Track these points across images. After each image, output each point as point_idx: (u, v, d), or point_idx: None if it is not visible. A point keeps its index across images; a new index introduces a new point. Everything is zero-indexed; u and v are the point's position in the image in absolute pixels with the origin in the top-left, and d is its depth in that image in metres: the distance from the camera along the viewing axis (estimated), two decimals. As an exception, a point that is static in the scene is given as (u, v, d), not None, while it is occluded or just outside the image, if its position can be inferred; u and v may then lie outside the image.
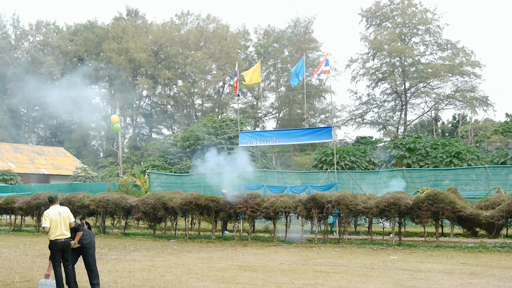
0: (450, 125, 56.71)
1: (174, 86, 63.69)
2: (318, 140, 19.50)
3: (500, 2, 75.96)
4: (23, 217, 21.47)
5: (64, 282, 8.14)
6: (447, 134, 53.79)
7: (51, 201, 8.42)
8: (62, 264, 8.20)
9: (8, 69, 60.74)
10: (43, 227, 8.10)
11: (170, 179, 26.92)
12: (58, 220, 8.12)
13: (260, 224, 18.83)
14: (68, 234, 8.18)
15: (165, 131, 66.40)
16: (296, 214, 16.17)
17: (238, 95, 24.27)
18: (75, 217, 8.64)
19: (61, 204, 8.59)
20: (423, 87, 51.10)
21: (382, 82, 52.64)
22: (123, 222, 18.90)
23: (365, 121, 54.31)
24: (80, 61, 65.24)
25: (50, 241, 8.09)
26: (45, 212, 8.20)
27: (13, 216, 21.53)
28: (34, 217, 20.64)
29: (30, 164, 44.53)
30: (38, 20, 66.71)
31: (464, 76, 48.45)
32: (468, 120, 52.96)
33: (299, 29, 59.92)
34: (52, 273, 8.23)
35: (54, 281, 8.17)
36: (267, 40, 61.24)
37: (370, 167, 29.94)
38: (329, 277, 9.48)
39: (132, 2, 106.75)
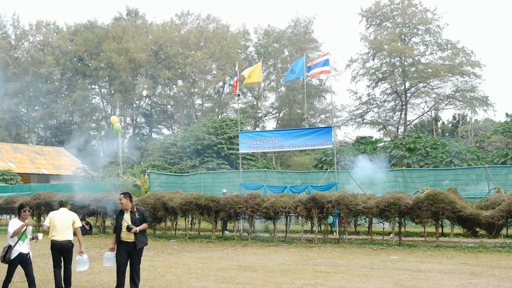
0: (450, 125, 56.75)
1: (174, 86, 63.70)
2: (318, 143, 19.01)
3: (500, 2, 75.97)
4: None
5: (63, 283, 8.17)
6: (447, 134, 53.82)
7: (60, 205, 8.57)
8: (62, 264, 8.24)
9: (8, 69, 60.75)
10: (43, 225, 8.23)
11: (170, 179, 26.93)
12: (60, 223, 8.20)
13: (260, 224, 18.84)
14: (69, 237, 8.23)
15: (165, 131, 66.46)
16: (296, 214, 16.16)
17: (238, 95, 24.17)
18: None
19: (61, 203, 8.63)
20: (423, 87, 51.12)
21: (382, 82, 52.66)
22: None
23: (365, 121, 54.36)
24: (80, 61, 65.23)
25: (50, 240, 8.17)
26: (50, 213, 8.34)
27: (13, 216, 21.52)
28: (34, 217, 20.63)
29: (30, 164, 44.54)
30: (38, 20, 66.74)
31: (464, 76, 48.47)
32: (468, 120, 53.03)
33: (299, 29, 59.95)
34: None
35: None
36: (267, 40, 61.23)
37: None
38: (329, 277, 9.48)
39: (132, 2, 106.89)
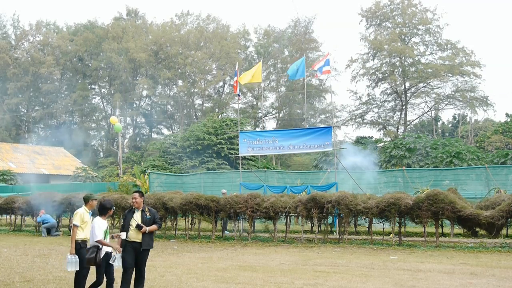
0: (450, 125, 56.81)
1: (174, 86, 63.74)
2: (318, 143, 18.77)
3: (500, 2, 75.99)
4: (23, 217, 21.47)
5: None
6: (447, 134, 53.87)
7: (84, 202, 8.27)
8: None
9: (8, 69, 60.74)
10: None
11: (170, 179, 26.94)
12: None
13: (260, 224, 18.83)
14: (79, 236, 7.85)
15: (165, 131, 66.45)
16: (296, 214, 16.15)
17: (238, 95, 24.09)
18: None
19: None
20: (423, 87, 51.14)
21: (382, 82, 52.67)
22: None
23: (365, 121, 54.36)
24: (80, 61, 65.24)
25: None
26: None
27: (13, 216, 21.53)
28: (34, 217, 20.63)
29: (30, 164, 44.53)
30: (38, 20, 66.82)
31: (464, 76, 48.48)
32: (468, 120, 53.05)
33: (299, 29, 59.95)
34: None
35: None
36: (267, 40, 61.26)
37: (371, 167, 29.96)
38: (329, 277, 9.48)
39: (132, 2, 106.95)
